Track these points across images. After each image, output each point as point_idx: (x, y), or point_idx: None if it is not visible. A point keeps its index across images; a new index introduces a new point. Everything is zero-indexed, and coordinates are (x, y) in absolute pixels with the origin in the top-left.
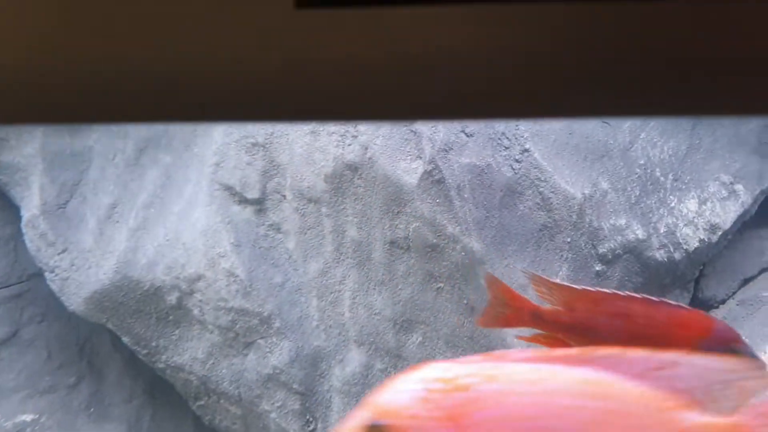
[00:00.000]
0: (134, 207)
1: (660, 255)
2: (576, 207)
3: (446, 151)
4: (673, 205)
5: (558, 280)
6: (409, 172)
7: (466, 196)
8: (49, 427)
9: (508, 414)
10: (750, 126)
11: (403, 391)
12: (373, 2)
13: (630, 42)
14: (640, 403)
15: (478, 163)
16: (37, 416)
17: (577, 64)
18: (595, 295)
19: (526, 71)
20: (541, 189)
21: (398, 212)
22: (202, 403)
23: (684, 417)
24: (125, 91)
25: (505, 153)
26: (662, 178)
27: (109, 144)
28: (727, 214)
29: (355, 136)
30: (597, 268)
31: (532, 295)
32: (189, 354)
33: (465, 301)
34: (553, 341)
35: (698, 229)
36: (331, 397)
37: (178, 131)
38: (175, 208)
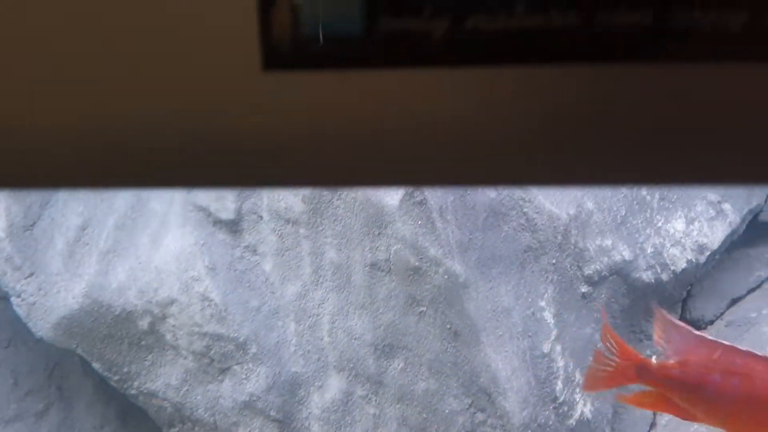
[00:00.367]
0: (105, 229)
1: (647, 276)
2: (561, 228)
3: None
4: (659, 225)
5: (680, 323)
6: (390, 193)
7: (448, 217)
8: None
9: None
10: None
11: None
12: (343, 65)
13: (637, 106)
14: None
15: None
16: None
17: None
18: (712, 345)
19: (511, 137)
20: (525, 210)
21: (379, 234)
22: (176, 430)
23: None
24: (84, 155)
25: None
26: (648, 198)
27: None
28: (714, 234)
29: None
30: (583, 290)
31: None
32: (162, 380)
33: (448, 326)
34: (659, 399)
35: (686, 249)
36: (309, 424)
37: None
38: (147, 229)
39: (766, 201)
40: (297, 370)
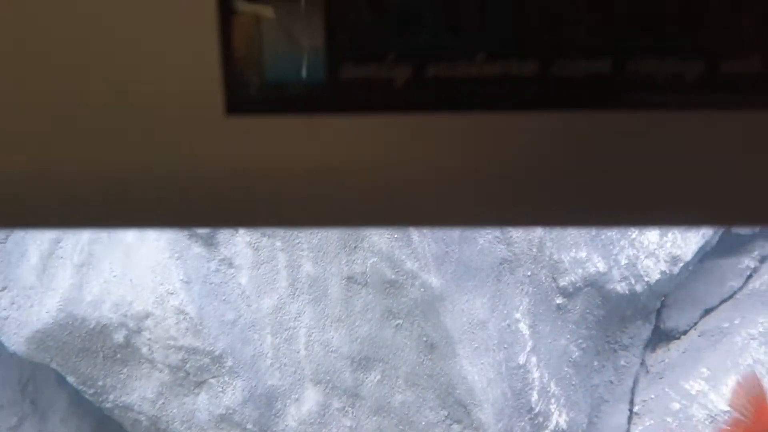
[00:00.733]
0: (79, 242)
1: (621, 287)
2: (536, 240)
3: None
4: (633, 236)
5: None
6: None
7: (424, 230)
8: None
9: None
10: None
11: None
12: (306, 110)
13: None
14: None
15: None
16: None
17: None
18: None
19: (471, 180)
20: None
21: (355, 247)
22: None
23: None
24: (54, 197)
25: None
26: None
27: None
28: (688, 245)
29: None
30: (558, 302)
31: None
32: (138, 393)
33: (425, 338)
34: None
35: (659, 260)
36: None
37: None
38: (121, 243)
39: None
40: (273, 383)
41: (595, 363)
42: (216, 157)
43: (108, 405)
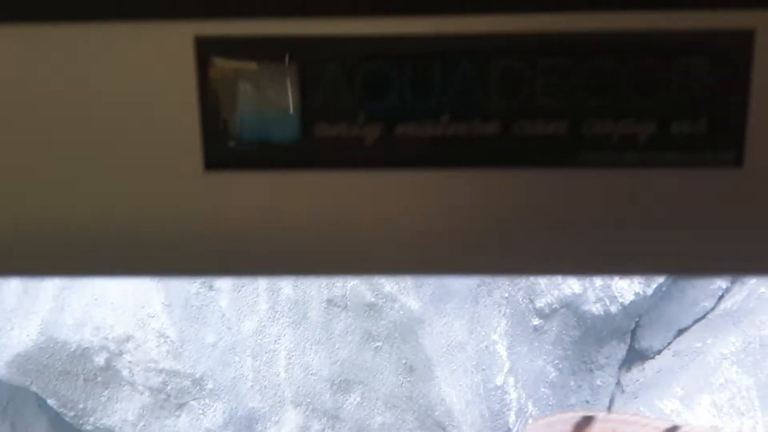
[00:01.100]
0: None
1: (596, 308)
2: None
3: None
4: None
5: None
6: None
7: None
8: None
9: None
10: None
11: None
12: (280, 166)
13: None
14: None
15: None
16: None
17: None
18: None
19: (436, 232)
20: None
21: None
22: None
23: None
24: (43, 246)
25: None
26: None
27: None
28: None
29: None
30: (535, 323)
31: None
32: (119, 416)
33: (404, 361)
34: None
35: (633, 282)
36: None
37: None
38: None
39: None
40: (254, 405)
41: (572, 383)
42: (195, 210)
43: (88, 427)
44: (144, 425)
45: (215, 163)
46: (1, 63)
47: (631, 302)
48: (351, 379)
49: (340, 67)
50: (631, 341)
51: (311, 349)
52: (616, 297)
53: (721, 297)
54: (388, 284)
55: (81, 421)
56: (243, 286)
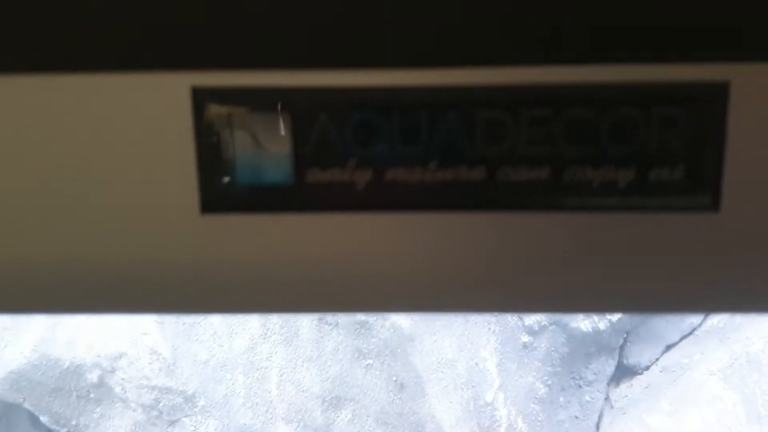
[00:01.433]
0: None
1: (585, 325)
2: None
3: None
4: None
5: None
6: None
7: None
8: None
9: None
10: None
11: None
12: (274, 210)
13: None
14: None
15: None
16: None
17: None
18: None
19: (423, 273)
20: None
21: None
22: None
23: None
24: (45, 285)
25: None
26: None
27: None
28: None
29: None
30: (524, 340)
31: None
32: None
33: (394, 378)
34: None
35: None
36: None
37: None
38: None
39: None
40: (245, 422)
41: (561, 399)
42: (192, 251)
43: None
44: None
45: (211, 206)
46: (8, 110)
47: (619, 319)
48: (342, 396)
49: (332, 116)
50: (619, 357)
51: (303, 366)
52: (608, 314)
53: (708, 314)
54: None
55: None
56: None
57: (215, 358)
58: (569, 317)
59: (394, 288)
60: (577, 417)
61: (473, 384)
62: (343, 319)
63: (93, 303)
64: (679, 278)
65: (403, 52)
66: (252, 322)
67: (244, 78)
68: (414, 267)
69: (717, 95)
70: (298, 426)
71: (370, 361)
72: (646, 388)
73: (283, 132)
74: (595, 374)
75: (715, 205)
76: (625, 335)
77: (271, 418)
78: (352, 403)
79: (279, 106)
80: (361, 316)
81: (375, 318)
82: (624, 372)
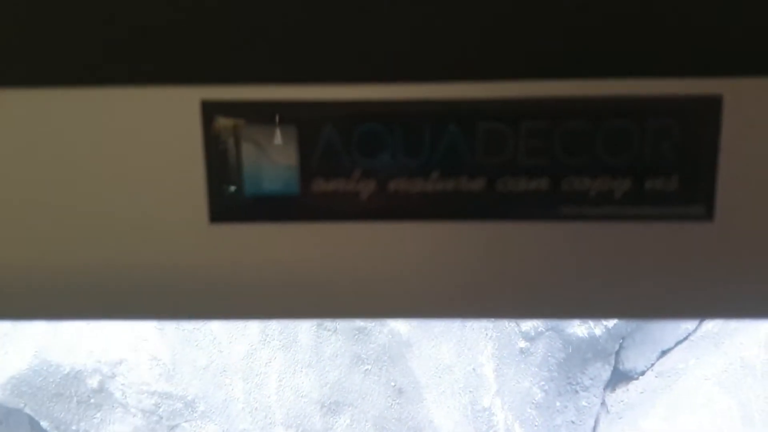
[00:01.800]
0: None
1: (581, 331)
2: None
3: None
4: None
5: None
6: None
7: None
8: None
9: None
10: None
11: None
12: (281, 219)
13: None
14: None
15: None
16: None
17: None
18: None
19: (426, 279)
20: None
21: None
22: None
23: None
24: (60, 291)
25: None
26: None
27: None
28: None
29: None
30: (521, 345)
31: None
32: None
33: (393, 383)
34: None
35: None
36: None
37: None
38: None
39: None
40: (245, 427)
41: (558, 404)
42: (201, 259)
43: None
44: None
45: (219, 215)
46: (26, 121)
47: (615, 324)
48: (341, 401)
49: (337, 128)
50: (615, 363)
51: (301, 371)
52: (605, 320)
53: (701, 319)
54: None
55: None
56: None
57: (215, 363)
58: (566, 323)
59: (396, 294)
60: (573, 422)
61: (471, 389)
62: (342, 325)
63: (107, 309)
64: (673, 285)
65: (406, 67)
66: (251, 328)
67: (251, 92)
68: (415, 274)
69: (710, 108)
70: (296, 431)
71: (369, 367)
72: (642, 393)
73: (279, 142)
74: (591, 379)
75: (708, 214)
76: (620, 341)
77: (270, 423)
78: (350, 409)
79: (276, 118)
80: (359, 322)
81: (373, 324)
82: (620, 377)
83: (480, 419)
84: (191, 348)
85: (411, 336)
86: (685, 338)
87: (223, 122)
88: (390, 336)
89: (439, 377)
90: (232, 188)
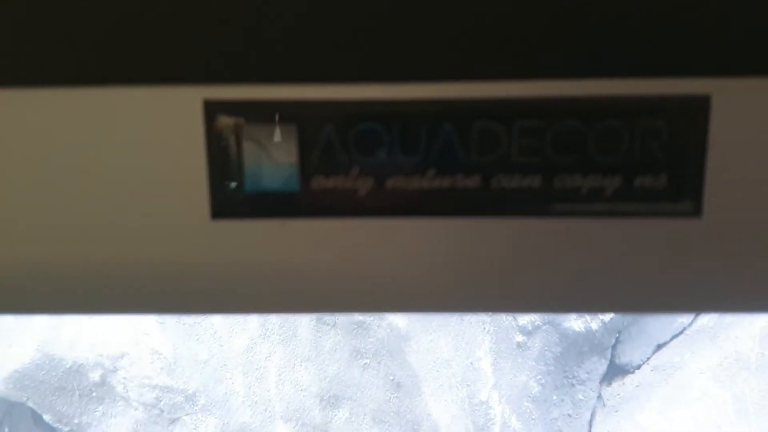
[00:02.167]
0: None
1: (578, 325)
2: None
3: None
4: None
5: None
6: None
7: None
8: None
9: None
10: None
11: None
12: (281, 215)
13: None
14: None
15: None
16: None
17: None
18: None
19: (422, 274)
20: None
21: None
22: None
23: None
24: (63, 285)
25: None
26: None
27: None
28: None
29: None
30: (518, 339)
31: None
32: (113, 431)
33: (391, 377)
34: None
35: None
36: None
37: None
38: None
39: None
40: (245, 421)
41: (554, 397)
42: (203, 254)
43: None
44: None
45: (221, 212)
46: (31, 120)
47: (612, 318)
48: (340, 395)
49: (336, 127)
50: (611, 356)
51: (301, 365)
52: (596, 314)
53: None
54: None
55: None
56: None
57: (215, 357)
58: (562, 317)
59: (393, 289)
60: (570, 415)
61: (468, 383)
62: (341, 319)
63: (109, 303)
64: (662, 280)
65: (403, 68)
66: (251, 323)
67: (253, 91)
68: (412, 269)
69: (698, 108)
70: (296, 424)
71: (367, 361)
72: (638, 386)
73: (279, 140)
74: (587, 373)
75: (696, 211)
76: (617, 335)
77: (270, 416)
78: (349, 402)
79: (277, 117)
80: (358, 317)
81: (372, 318)
82: (616, 371)
83: (477, 412)
84: (192, 342)
85: (409, 330)
86: (681, 332)
87: (224, 121)
88: (388, 330)
89: (437, 371)
90: (234, 185)
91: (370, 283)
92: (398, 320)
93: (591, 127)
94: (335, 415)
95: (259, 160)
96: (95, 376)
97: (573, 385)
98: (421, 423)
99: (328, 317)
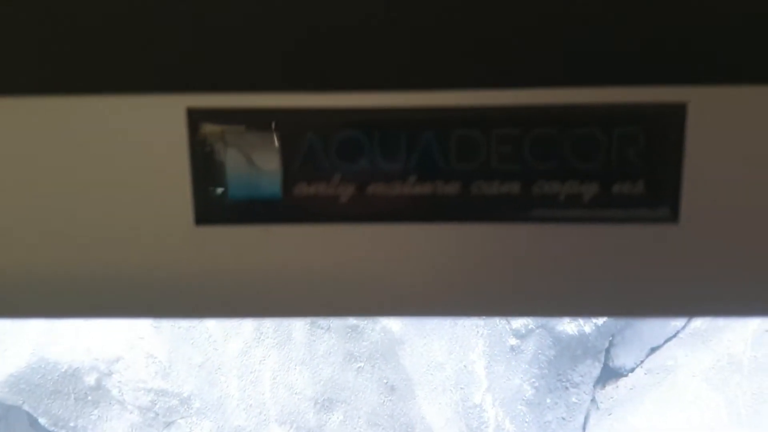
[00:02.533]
0: None
1: (571, 328)
2: None
3: None
4: None
5: None
6: None
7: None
8: None
9: None
10: None
11: None
12: (263, 221)
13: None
14: None
15: None
16: None
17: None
18: None
19: (402, 279)
20: None
21: None
22: None
23: None
24: (51, 290)
25: None
26: None
27: None
28: None
29: None
30: (511, 343)
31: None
32: None
33: (385, 380)
34: None
35: None
36: None
37: None
38: None
39: None
40: (239, 424)
41: (548, 400)
42: (187, 260)
43: None
44: None
45: (204, 218)
46: (16, 129)
47: (605, 322)
48: (334, 398)
49: (318, 135)
50: (605, 360)
51: (295, 369)
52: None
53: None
54: None
55: None
56: None
57: (210, 361)
58: (556, 321)
59: (375, 293)
60: (563, 418)
61: (462, 386)
62: (335, 323)
63: (96, 308)
64: (639, 285)
65: (385, 77)
66: (246, 327)
67: (236, 99)
68: (394, 274)
69: (675, 115)
70: (290, 428)
71: (361, 364)
72: (631, 389)
73: (262, 148)
74: (581, 376)
75: (673, 216)
76: (610, 338)
77: (265, 419)
78: (343, 405)
79: (260, 125)
80: (352, 320)
81: (366, 322)
82: (609, 374)
83: (471, 416)
84: (187, 346)
85: (403, 334)
86: (674, 335)
87: (208, 128)
88: (382, 334)
89: (431, 374)
90: (218, 191)
91: (351, 288)
92: (392, 324)
93: (568, 134)
94: (329, 419)
95: (242, 167)
96: (91, 379)
97: (567, 388)
98: (414, 426)
99: (323, 321)
